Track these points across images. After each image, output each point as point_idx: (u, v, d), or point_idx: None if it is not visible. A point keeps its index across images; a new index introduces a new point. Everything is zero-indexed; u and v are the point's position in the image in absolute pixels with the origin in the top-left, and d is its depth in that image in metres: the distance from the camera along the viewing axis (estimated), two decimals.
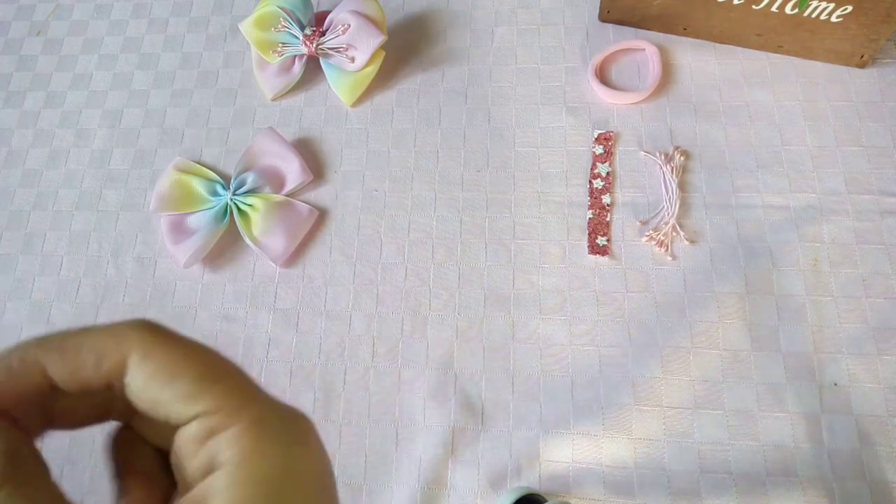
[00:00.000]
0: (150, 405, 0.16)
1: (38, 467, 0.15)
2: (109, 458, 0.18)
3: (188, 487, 0.16)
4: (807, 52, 0.58)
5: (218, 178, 0.59)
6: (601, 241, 0.54)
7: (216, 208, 0.57)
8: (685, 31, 0.61)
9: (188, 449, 0.16)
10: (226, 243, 0.58)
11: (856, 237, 0.52)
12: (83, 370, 0.16)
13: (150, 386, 0.16)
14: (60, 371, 0.16)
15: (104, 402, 0.17)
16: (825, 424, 0.47)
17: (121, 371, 0.16)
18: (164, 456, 0.17)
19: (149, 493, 0.17)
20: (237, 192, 0.57)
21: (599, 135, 0.58)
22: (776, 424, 0.48)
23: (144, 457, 0.18)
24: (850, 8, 0.52)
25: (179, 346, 0.16)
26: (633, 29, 0.62)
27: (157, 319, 0.17)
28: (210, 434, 0.15)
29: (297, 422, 0.17)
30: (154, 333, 0.16)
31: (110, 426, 0.18)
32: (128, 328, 0.16)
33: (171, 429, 0.16)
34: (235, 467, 0.15)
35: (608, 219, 0.55)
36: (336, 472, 0.50)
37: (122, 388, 0.16)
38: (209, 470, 0.15)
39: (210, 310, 0.56)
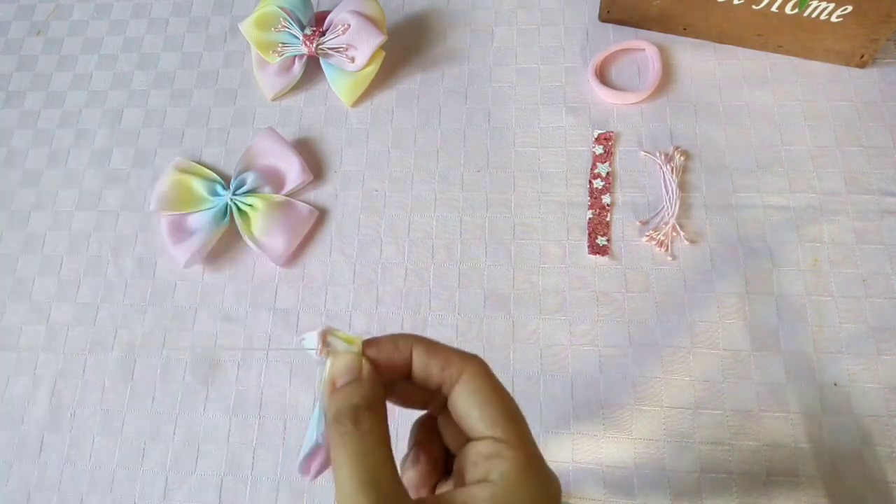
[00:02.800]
0: (463, 415, 0.22)
1: (386, 418, 0.22)
2: (413, 432, 0.26)
3: (462, 484, 0.21)
4: (807, 52, 0.58)
5: (218, 178, 0.59)
6: (601, 241, 0.54)
7: (216, 208, 0.57)
8: (685, 31, 0.61)
9: (474, 459, 0.21)
10: (226, 243, 0.58)
11: (856, 237, 0.52)
12: (432, 369, 0.23)
13: (468, 401, 0.22)
14: (419, 363, 0.23)
15: (426, 396, 0.24)
16: (825, 424, 0.47)
17: (454, 381, 0.22)
18: (448, 454, 0.24)
19: (431, 469, 0.24)
20: (237, 192, 0.57)
21: (599, 135, 0.58)
22: (776, 424, 0.48)
23: (436, 444, 0.25)
24: (850, 8, 0.52)
25: (495, 383, 0.23)
26: (633, 29, 0.62)
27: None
28: (493, 455, 0.21)
29: (552, 477, 0.23)
30: (484, 367, 0.23)
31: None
32: (470, 356, 0.23)
33: (462, 439, 0.22)
34: (500, 487, 0.20)
35: (608, 219, 0.55)
36: None
37: (447, 392, 0.23)
38: (482, 480, 0.21)
39: (210, 310, 0.56)
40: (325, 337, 0.23)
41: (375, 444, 0.21)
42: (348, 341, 0.23)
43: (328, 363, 0.23)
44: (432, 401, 0.24)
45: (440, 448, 0.24)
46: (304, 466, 0.23)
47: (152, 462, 0.51)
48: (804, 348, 0.50)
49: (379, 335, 0.24)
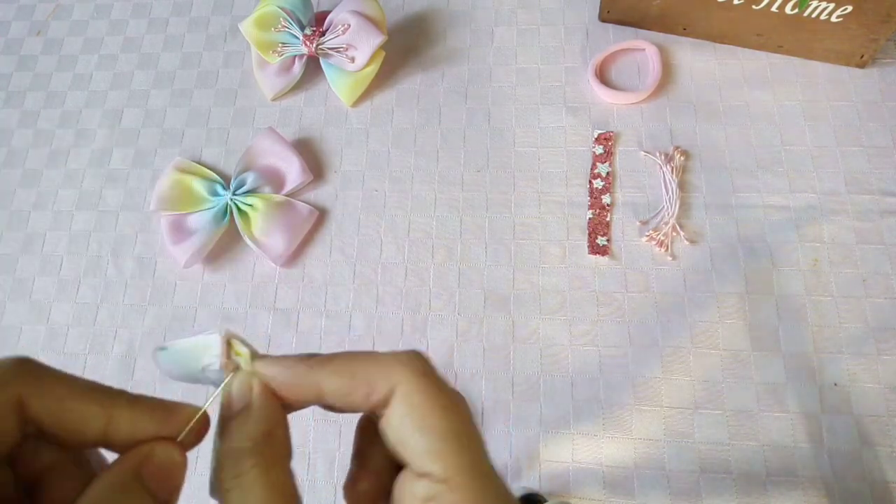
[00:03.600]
0: (396, 442, 0.17)
1: (285, 451, 0.17)
2: (355, 438, 0.20)
3: None
4: (807, 52, 0.58)
5: (218, 178, 0.59)
6: (601, 241, 0.54)
7: (216, 208, 0.57)
8: (685, 31, 0.61)
9: (409, 500, 0.17)
10: (226, 243, 0.58)
11: (856, 237, 0.52)
12: (354, 397, 0.17)
13: (401, 427, 0.17)
14: (335, 393, 0.18)
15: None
16: (825, 424, 0.47)
17: (384, 404, 0.17)
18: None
19: (374, 489, 0.19)
20: (237, 192, 0.57)
21: (599, 135, 0.58)
22: (776, 424, 0.48)
23: (379, 455, 0.19)
24: (850, 8, 0.52)
25: (435, 399, 0.17)
26: (633, 29, 0.62)
27: (425, 354, 0.18)
28: (431, 499, 0.16)
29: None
30: (417, 377, 0.17)
31: None
32: (398, 363, 0.17)
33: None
34: None
35: (608, 219, 0.55)
36: (336, 472, 0.50)
37: (377, 416, 0.18)
38: None
39: (210, 310, 0.56)
40: (229, 344, 0.18)
41: (263, 499, 0.16)
42: (238, 354, 0.18)
43: (226, 382, 0.18)
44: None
45: (384, 459, 0.19)
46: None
47: None
48: (804, 348, 0.50)
49: (294, 356, 0.19)
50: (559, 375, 0.51)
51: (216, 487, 0.17)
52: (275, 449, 0.17)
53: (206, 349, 0.18)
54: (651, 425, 0.49)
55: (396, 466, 0.18)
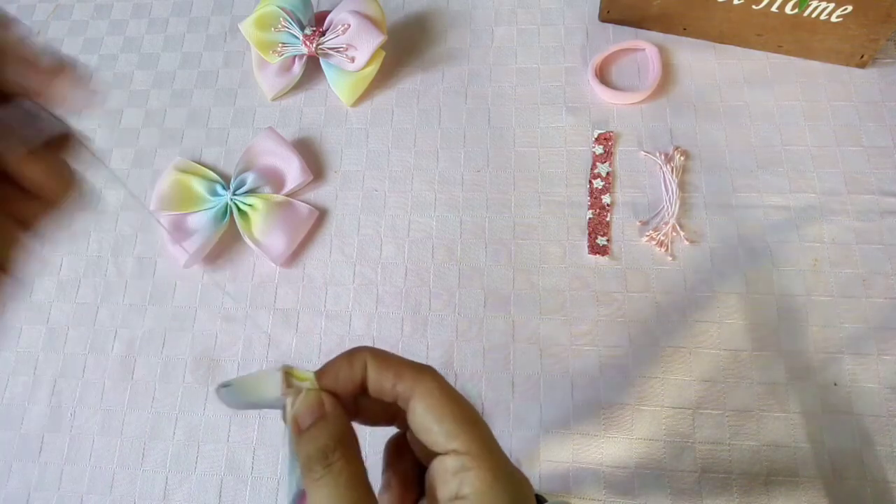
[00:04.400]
0: (421, 430, 0.21)
1: (357, 446, 0.21)
2: (385, 454, 0.25)
3: (435, 502, 0.21)
4: (807, 52, 0.58)
5: (218, 178, 0.59)
6: (601, 241, 0.54)
7: (216, 208, 0.57)
8: (685, 31, 0.61)
9: (442, 475, 0.21)
10: (226, 243, 0.58)
11: (856, 237, 0.52)
12: (385, 384, 0.22)
13: (426, 415, 0.21)
14: (372, 378, 0.22)
15: (392, 411, 0.23)
16: (825, 424, 0.47)
17: (408, 396, 0.22)
18: (422, 468, 0.23)
19: (404, 491, 0.23)
20: (237, 192, 0.57)
21: (599, 135, 0.58)
22: (776, 424, 0.48)
23: (408, 462, 0.24)
24: (850, 8, 0.52)
25: (451, 393, 0.22)
26: (633, 29, 0.62)
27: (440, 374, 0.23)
28: (460, 470, 0.20)
29: (519, 480, 0.22)
30: (437, 378, 0.22)
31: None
32: (424, 369, 0.22)
33: (431, 452, 0.22)
34: (473, 502, 0.20)
35: (608, 219, 0.55)
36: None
37: (404, 407, 0.22)
38: (454, 497, 0.20)
39: (210, 310, 0.56)
40: (287, 376, 0.22)
41: (350, 484, 0.20)
42: (301, 378, 0.22)
43: (288, 405, 0.22)
44: (398, 416, 0.24)
45: (413, 466, 0.24)
46: None
47: (152, 462, 0.51)
48: (804, 348, 0.50)
49: (332, 357, 0.23)
50: (559, 375, 0.51)
51: (306, 480, 0.21)
52: (350, 444, 0.21)
53: (268, 383, 0.22)
54: (651, 425, 0.49)
55: (420, 473, 0.23)
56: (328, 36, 0.59)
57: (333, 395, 0.22)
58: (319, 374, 0.22)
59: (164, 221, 0.58)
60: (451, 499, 0.20)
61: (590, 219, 0.55)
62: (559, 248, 0.55)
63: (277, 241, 0.55)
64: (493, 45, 0.64)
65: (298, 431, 0.21)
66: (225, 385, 0.22)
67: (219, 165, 0.61)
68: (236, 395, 0.22)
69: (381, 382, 0.22)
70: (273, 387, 0.22)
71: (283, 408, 0.22)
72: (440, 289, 0.55)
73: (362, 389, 0.22)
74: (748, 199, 0.55)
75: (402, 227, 0.57)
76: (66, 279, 0.58)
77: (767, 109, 0.58)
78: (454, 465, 0.20)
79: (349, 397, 0.22)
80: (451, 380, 0.51)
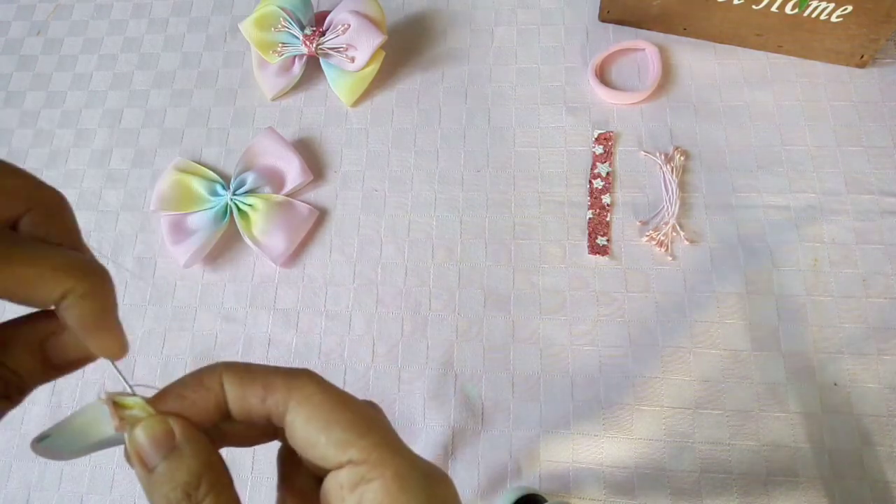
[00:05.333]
0: (306, 446, 0.17)
1: (227, 477, 0.18)
2: (278, 466, 0.20)
3: None
4: (807, 52, 0.58)
5: (218, 178, 0.59)
6: (601, 241, 0.54)
7: (216, 208, 0.57)
8: (685, 31, 0.61)
9: (337, 493, 0.17)
10: (226, 243, 0.58)
11: (856, 237, 0.52)
12: (251, 401, 0.18)
13: (307, 428, 0.17)
14: (234, 397, 0.18)
15: (269, 428, 0.19)
16: (825, 424, 0.47)
17: (283, 410, 0.18)
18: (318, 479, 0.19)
19: None
20: (237, 192, 0.57)
21: (599, 135, 0.58)
22: (776, 424, 0.48)
23: (303, 475, 0.19)
24: (850, 8, 0.52)
25: (335, 396, 0.18)
26: (633, 29, 0.62)
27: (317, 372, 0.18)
28: (358, 483, 0.17)
29: (436, 480, 0.18)
30: (315, 382, 0.18)
31: None
32: (298, 373, 0.18)
33: (323, 469, 0.18)
34: None
35: (608, 219, 0.55)
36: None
37: (279, 424, 0.18)
38: None
39: (210, 310, 0.56)
40: (115, 406, 0.17)
41: None
42: (131, 407, 0.17)
43: (127, 442, 0.17)
44: (279, 431, 0.19)
45: (309, 478, 0.20)
46: None
47: None
48: (804, 348, 0.50)
49: (182, 376, 0.18)
50: (559, 375, 0.51)
51: None
52: (218, 474, 0.17)
53: (95, 420, 0.17)
54: (651, 425, 0.49)
55: (319, 486, 0.18)
56: (328, 36, 0.59)
57: (183, 419, 0.17)
58: (157, 398, 0.18)
59: (164, 221, 0.58)
60: None
61: (590, 219, 0.55)
62: (559, 248, 0.55)
63: (277, 241, 0.55)
64: (493, 45, 0.64)
65: (147, 471, 0.17)
66: (41, 439, 0.17)
67: (219, 165, 0.61)
68: (61, 444, 0.18)
69: (245, 400, 0.18)
70: (104, 423, 0.17)
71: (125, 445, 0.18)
72: (440, 289, 0.55)
73: (224, 413, 0.18)
74: (748, 199, 0.55)
75: (402, 227, 0.57)
76: None
77: (767, 109, 0.58)
78: (351, 478, 0.17)
79: (207, 424, 0.18)
80: (450, 380, 0.52)
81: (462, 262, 0.55)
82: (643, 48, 0.61)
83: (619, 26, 0.62)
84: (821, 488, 0.46)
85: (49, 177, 0.63)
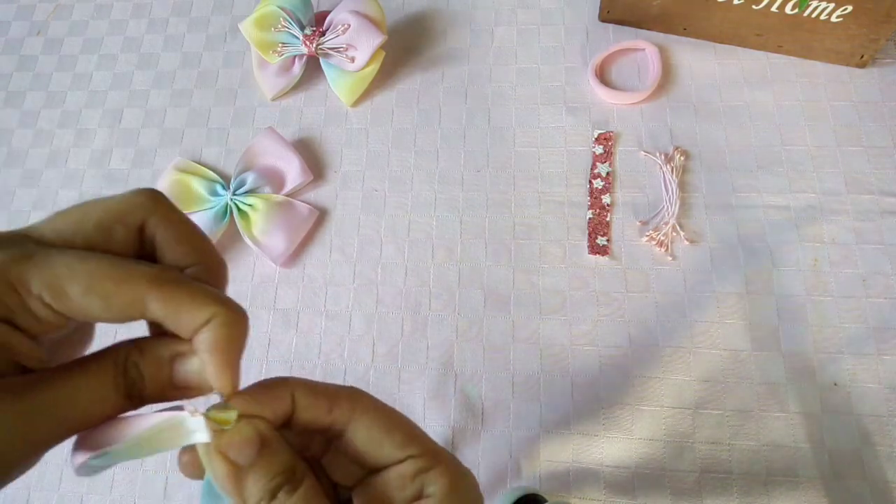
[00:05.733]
0: (370, 446, 0.21)
1: (310, 471, 0.20)
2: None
3: None
4: (807, 52, 0.58)
5: (218, 178, 0.59)
6: (601, 241, 0.54)
7: (216, 208, 0.57)
8: (685, 31, 0.61)
9: (400, 482, 0.20)
10: (226, 243, 0.58)
11: (856, 237, 0.52)
12: (319, 411, 0.20)
13: (370, 433, 0.21)
14: (304, 406, 0.20)
15: (308, 440, 0.22)
16: (825, 424, 0.47)
17: (346, 418, 0.21)
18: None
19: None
20: (237, 192, 0.57)
21: (599, 135, 0.58)
22: (776, 424, 0.48)
23: (324, 484, 0.22)
24: (850, 8, 0.52)
25: (387, 407, 0.21)
26: (633, 29, 0.62)
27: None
28: (419, 472, 0.20)
29: (470, 474, 0.22)
30: (370, 396, 0.21)
31: None
32: (357, 390, 0.21)
33: (357, 471, 0.21)
34: (443, 496, 0.20)
35: (608, 219, 0.55)
36: None
37: (341, 429, 0.21)
38: (418, 498, 0.20)
39: None
40: (208, 414, 0.18)
41: (322, 499, 0.19)
42: (221, 422, 0.19)
43: (205, 447, 0.18)
44: (310, 444, 0.22)
45: (328, 487, 0.22)
46: None
47: (152, 462, 0.51)
48: (804, 348, 0.50)
49: (250, 386, 0.20)
50: (559, 375, 0.51)
51: None
52: (305, 469, 0.20)
53: (174, 429, 0.18)
54: (651, 425, 0.49)
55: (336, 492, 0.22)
56: (328, 36, 0.59)
57: (268, 421, 0.20)
58: (240, 401, 0.19)
59: None
60: (414, 499, 0.20)
61: (590, 219, 0.55)
62: (559, 248, 0.55)
63: (277, 241, 0.55)
64: (493, 45, 0.64)
65: (237, 469, 0.18)
66: (98, 456, 0.18)
67: (219, 165, 0.61)
68: (117, 458, 0.19)
69: (313, 410, 0.20)
70: (184, 432, 0.18)
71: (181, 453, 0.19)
72: (440, 289, 0.55)
73: (285, 422, 0.20)
74: (748, 199, 0.55)
75: (402, 227, 0.57)
76: None
77: (767, 109, 0.58)
78: (412, 469, 0.20)
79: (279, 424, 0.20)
80: (450, 380, 0.52)
81: (462, 262, 0.55)
82: (643, 48, 0.61)
83: (619, 26, 0.62)
84: (821, 488, 0.46)
85: (49, 177, 0.63)
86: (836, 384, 0.48)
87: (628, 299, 0.52)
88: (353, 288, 0.55)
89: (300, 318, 0.55)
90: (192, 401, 0.19)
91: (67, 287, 0.17)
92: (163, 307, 0.18)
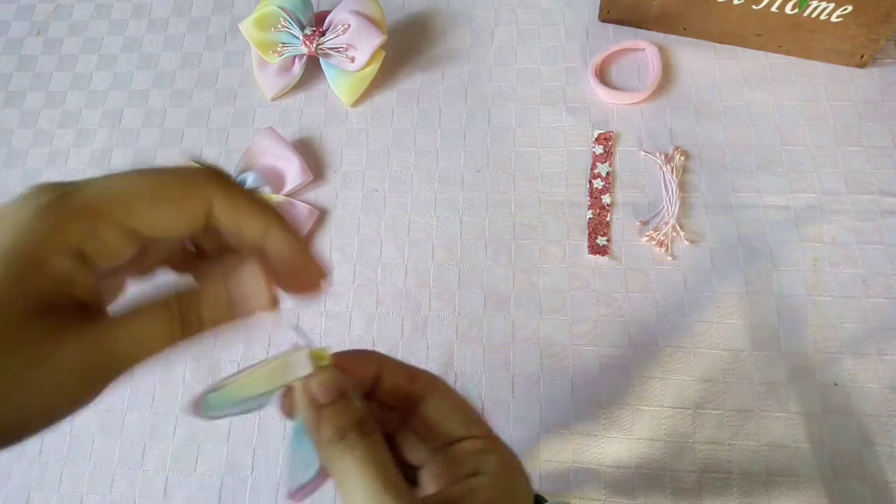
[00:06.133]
0: (437, 421, 0.24)
1: (379, 431, 0.22)
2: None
3: (449, 483, 0.23)
4: (807, 52, 0.58)
5: None
6: (601, 241, 0.54)
7: None
8: (685, 31, 0.61)
9: (459, 457, 0.23)
10: None
11: (856, 237, 0.52)
12: (401, 380, 0.24)
13: (443, 408, 0.24)
14: (389, 377, 0.24)
15: (387, 416, 0.25)
16: (825, 424, 0.47)
17: (424, 392, 0.24)
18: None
19: None
20: None
21: (599, 135, 0.58)
22: (776, 424, 0.48)
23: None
24: (850, 8, 0.52)
25: (458, 392, 0.25)
26: (633, 29, 0.62)
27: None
28: (479, 451, 0.23)
29: (520, 462, 0.24)
30: (446, 383, 0.25)
31: None
32: (435, 375, 0.25)
33: (425, 450, 0.24)
34: (496, 476, 0.22)
35: (608, 219, 0.55)
36: None
37: (417, 402, 0.24)
38: (474, 473, 0.22)
39: None
40: (310, 354, 0.22)
41: (385, 453, 0.21)
42: (319, 357, 0.22)
43: (300, 384, 0.22)
44: (388, 421, 0.25)
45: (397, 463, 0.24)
46: (300, 493, 0.22)
47: (152, 462, 0.51)
48: (804, 348, 0.50)
49: (349, 349, 0.24)
50: (559, 375, 0.51)
51: (330, 455, 0.21)
52: (374, 426, 0.22)
53: (283, 369, 0.22)
54: (651, 425, 0.49)
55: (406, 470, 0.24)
56: (328, 36, 0.59)
57: (355, 377, 0.23)
58: (338, 357, 0.23)
59: None
60: (472, 474, 0.22)
61: (590, 219, 0.55)
62: (559, 248, 0.55)
63: None
64: (493, 45, 0.64)
65: (319, 407, 0.22)
66: (216, 389, 0.21)
67: (219, 165, 0.61)
68: (229, 398, 0.21)
69: (396, 379, 0.24)
70: (288, 372, 0.22)
71: (282, 394, 0.22)
72: (440, 289, 0.55)
73: (371, 387, 0.24)
74: (748, 199, 0.55)
75: (402, 227, 0.57)
76: None
77: (767, 109, 0.58)
78: (474, 447, 0.23)
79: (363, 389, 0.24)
80: (451, 380, 0.52)
81: (462, 262, 0.55)
82: (643, 48, 0.61)
83: (619, 26, 0.62)
84: (821, 488, 0.46)
85: (49, 177, 0.63)
86: (836, 384, 0.48)
87: (628, 299, 0.52)
88: (353, 288, 0.55)
89: (300, 318, 0.55)
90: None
91: (135, 202, 0.18)
92: (228, 209, 0.20)
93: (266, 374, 0.22)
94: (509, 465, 0.23)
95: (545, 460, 0.48)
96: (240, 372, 0.22)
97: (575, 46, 0.62)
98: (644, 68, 0.61)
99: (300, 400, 0.22)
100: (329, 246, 0.57)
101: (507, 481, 0.22)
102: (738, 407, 0.48)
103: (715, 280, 0.52)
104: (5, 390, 0.16)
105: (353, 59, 0.59)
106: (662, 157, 0.56)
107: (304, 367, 0.22)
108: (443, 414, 0.24)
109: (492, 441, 0.23)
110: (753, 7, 0.55)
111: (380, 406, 0.25)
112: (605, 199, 0.56)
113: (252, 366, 0.22)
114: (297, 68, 0.62)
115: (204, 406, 0.21)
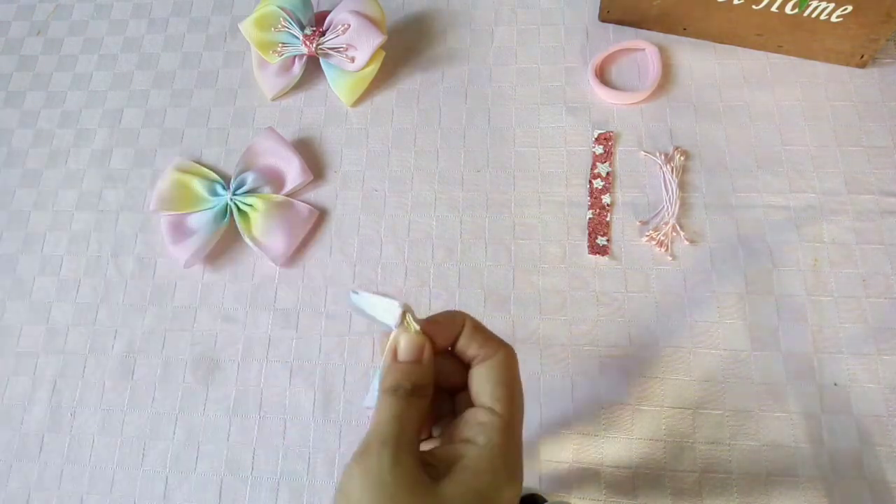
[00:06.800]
0: (477, 387, 0.26)
1: (428, 405, 0.26)
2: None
3: (448, 443, 0.26)
4: (807, 52, 0.58)
5: (218, 178, 0.59)
6: (601, 241, 0.54)
7: (216, 208, 0.57)
8: (685, 31, 0.61)
9: (470, 421, 0.25)
10: (226, 243, 0.58)
11: (856, 237, 0.52)
12: (473, 344, 0.27)
13: (487, 376, 0.26)
14: (465, 337, 0.27)
15: (447, 378, 0.28)
16: (825, 424, 0.47)
17: (484, 358, 0.26)
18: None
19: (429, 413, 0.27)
20: (237, 192, 0.57)
21: (599, 135, 0.58)
22: (776, 424, 0.48)
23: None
24: (850, 8, 0.52)
25: (512, 373, 0.27)
26: (633, 29, 0.62)
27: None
28: (485, 424, 0.25)
29: (520, 466, 0.25)
30: (513, 357, 0.27)
31: None
32: (507, 345, 0.27)
33: (457, 380, 0.27)
34: (481, 449, 0.24)
35: (608, 219, 0.55)
36: (336, 472, 0.50)
37: (475, 365, 0.27)
38: (468, 441, 0.25)
39: (210, 310, 0.56)
40: (405, 315, 0.26)
41: (412, 419, 0.24)
42: (409, 322, 0.26)
43: (394, 333, 0.26)
44: (456, 376, 0.28)
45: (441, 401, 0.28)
46: (369, 410, 0.28)
47: (152, 462, 0.51)
48: (804, 348, 0.50)
49: (438, 312, 0.28)
50: (559, 375, 0.51)
51: (379, 396, 0.25)
52: (427, 391, 0.26)
53: (387, 310, 0.26)
54: (651, 425, 0.49)
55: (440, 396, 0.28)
56: (328, 36, 0.59)
57: (432, 344, 0.26)
58: (429, 322, 0.26)
59: (164, 221, 0.58)
60: (465, 440, 0.24)
61: (590, 219, 0.55)
62: (559, 248, 0.55)
63: (277, 241, 0.55)
64: (493, 45, 0.64)
65: (394, 359, 0.26)
66: (355, 292, 0.27)
67: (219, 165, 0.61)
68: (360, 304, 0.27)
69: (470, 342, 0.26)
70: (389, 316, 0.26)
71: (392, 329, 0.26)
72: (440, 289, 0.55)
73: (452, 345, 0.27)
74: (748, 199, 0.55)
75: (402, 227, 0.57)
76: (66, 279, 0.58)
77: (767, 109, 0.58)
78: (484, 418, 0.24)
79: (442, 347, 0.27)
80: None
81: (462, 262, 0.55)
82: (643, 48, 0.61)
83: (619, 26, 0.62)
84: (821, 488, 0.46)
85: (49, 177, 0.63)
86: (836, 384, 0.48)
87: (628, 299, 0.52)
88: (353, 288, 0.55)
89: (300, 318, 0.55)
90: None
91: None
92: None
93: (381, 304, 0.26)
94: (503, 448, 0.24)
95: (545, 460, 0.48)
96: (380, 292, 0.27)
97: (575, 46, 0.62)
98: (644, 68, 0.61)
99: (388, 347, 0.26)
100: (329, 246, 0.57)
101: (489, 461, 0.24)
102: (738, 407, 0.48)
103: (715, 280, 0.52)
104: None
105: (353, 59, 0.59)
106: (662, 156, 0.56)
107: (393, 319, 0.26)
108: (485, 381, 0.25)
109: (505, 425, 0.24)
110: (753, 7, 0.55)
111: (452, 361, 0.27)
112: (605, 198, 0.56)
113: (387, 294, 0.26)
114: (297, 68, 0.62)
115: (351, 296, 0.27)
